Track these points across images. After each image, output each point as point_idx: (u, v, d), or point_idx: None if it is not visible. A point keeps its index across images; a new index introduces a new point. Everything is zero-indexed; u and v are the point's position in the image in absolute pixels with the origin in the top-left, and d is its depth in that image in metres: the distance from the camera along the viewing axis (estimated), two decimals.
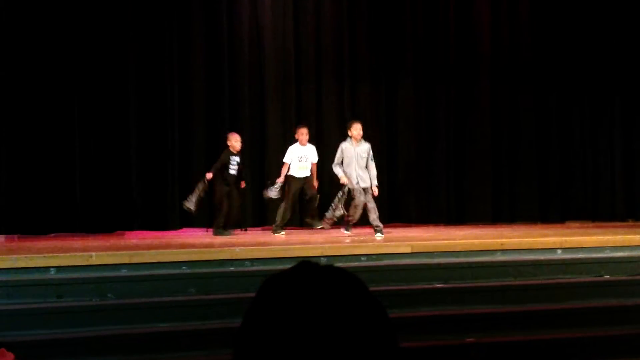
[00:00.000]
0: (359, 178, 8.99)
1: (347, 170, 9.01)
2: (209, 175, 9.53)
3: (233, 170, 9.65)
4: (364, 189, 9.01)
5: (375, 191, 9.07)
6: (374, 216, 8.91)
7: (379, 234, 8.78)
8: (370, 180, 9.05)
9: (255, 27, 11.01)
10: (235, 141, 9.71)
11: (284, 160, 9.83)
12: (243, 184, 9.86)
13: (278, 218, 9.73)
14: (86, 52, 10.05)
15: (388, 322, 0.97)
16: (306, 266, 0.99)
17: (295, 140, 9.88)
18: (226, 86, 10.77)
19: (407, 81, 11.52)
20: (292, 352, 0.91)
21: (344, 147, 9.12)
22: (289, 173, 9.75)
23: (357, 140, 9.10)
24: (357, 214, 9.13)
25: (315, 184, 9.88)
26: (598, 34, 11.86)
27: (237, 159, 9.69)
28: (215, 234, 9.56)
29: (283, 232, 9.69)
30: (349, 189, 9.10)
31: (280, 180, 9.65)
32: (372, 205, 8.98)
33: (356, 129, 9.11)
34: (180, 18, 10.59)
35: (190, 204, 9.52)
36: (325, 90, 11.30)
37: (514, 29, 11.90)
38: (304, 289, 0.95)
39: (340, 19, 11.34)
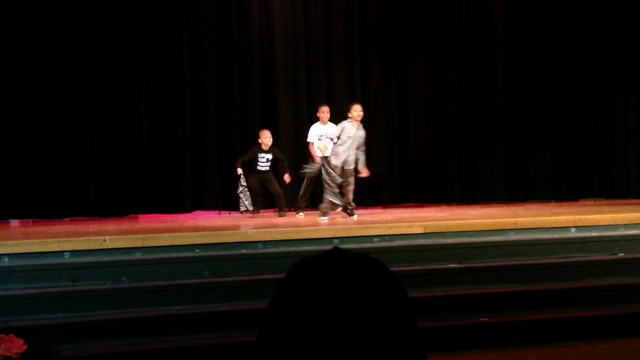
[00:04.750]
0: (349, 159, 8.76)
1: (341, 149, 8.73)
2: (240, 170, 9.46)
3: (262, 167, 9.61)
4: (347, 171, 8.81)
5: (365, 172, 8.92)
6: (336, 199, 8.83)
7: (323, 217, 8.62)
8: (359, 163, 8.85)
9: (264, 10, 10.96)
10: (264, 137, 9.69)
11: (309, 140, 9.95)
12: (287, 179, 9.75)
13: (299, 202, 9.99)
14: (97, 39, 10.05)
15: (415, 317, 0.97)
16: (337, 252, 0.99)
17: (317, 119, 10.00)
18: (236, 70, 10.73)
19: (418, 61, 11.45)
20: (318, 335, 0.91)
21: (345, 126, 8.78)
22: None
23: (358, 123, 8.82)
24: (350, 195, 8.96)
25: None
26: (611, 12, 11.73)
27: (268, 156, 9.63)
28: (280, 215, 9.66)
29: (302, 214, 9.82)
30: (322, 166, 9.01)
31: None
32: (352, 187, 8.93)
33: (356, 111, 8.77)
34: (191, 4, 10.55)
35: (244, 207, 9.46)
36: (336, 73, 11.25)
37: (526, 7, 11.79)
38: (333, 275, 0.95)
39: (349, 0, 11.27)
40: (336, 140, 8.83)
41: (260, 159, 9.61)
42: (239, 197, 9.49)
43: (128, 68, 10.22)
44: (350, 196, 8.94)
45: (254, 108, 10.71)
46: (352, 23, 11.27)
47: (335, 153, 8.80)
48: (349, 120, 8.86)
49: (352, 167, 8.86)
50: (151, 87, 10.34)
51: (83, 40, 10.01)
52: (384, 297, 0.95)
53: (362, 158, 8.93)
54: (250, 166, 9.65)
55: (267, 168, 9.66)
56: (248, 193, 9.49)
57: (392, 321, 0.94)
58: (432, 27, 11.50)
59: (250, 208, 9.51)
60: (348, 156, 8.78)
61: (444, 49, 11.49)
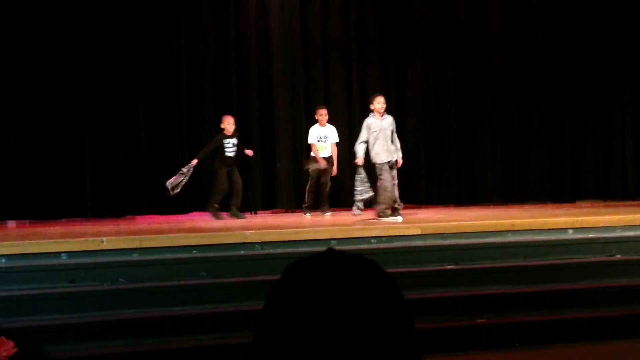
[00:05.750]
0: (387, 153, 8.67)
1: (377, 146, 8.64)
2: (194, 162, 9.47)
3: (229, 152, 9.60)
4: (391, 164, 8.70)
5: (400, 162, 8.82)
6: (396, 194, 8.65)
7: (398, 216, 8.51)
8: (396, 152, 8.78)
9: (262, 11, 10.96)
10: (227, 124, 9.67)
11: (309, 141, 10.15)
12: (250, 152, 9.80)
13: (306, 199, 10.06)
14: (95, 40, 10.05)
15: (411, 318, 0.97)
16: (332, 253, 0.99)
17: (316, 121, 10.10)
18: (234, 71, 10.73)
19: (416, 62, 11.46)
20: (313, 336, 0.92)
21: (370, 122, 8.74)
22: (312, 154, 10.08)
23: (381, 114, 8.77)
24: (395, 191, 8.71)
25: (334, 168, 10.01)
26: (608, 12, 11.75)
27: (233, 140, 9.63)
28: (214, 216, 9.54)
29: (309, 214, 9.92)
30: (363, 169, 8.97)
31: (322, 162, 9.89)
32: (396, 181, 8.74)
33: (379, 102, 8.74)
34: (188, 5, 10.55)
35: (170, 184, 9.36)
36: (334, 73, 11.25)
37: (525, 7, 11.80)
38: (328, 276, 0.95)
39: (347, 0, 11.28)
40: (367, 141, 8.72)
41: (226, 145, 9.58)
42: (179, 178, 9.34)
43: (125, 69, 10.21)
44: (395, 192, 8.70)
45: (251, 109, 10.70)
46: (349, 23, 11.27)
47: (376, 153, 8.66)
48: (370, 115, 8.82)
49: (394, 158, 8.73)
50: (149, 88, 10.33)
51: (80, 41, 10.01)
52: (378, 297, 0.95)
53: (398, 145, 8.80)
54: (218, 157, 9.57)
55: (234, 153, 9.62)
56: (181, 180, 9.34)
57: (386, 322, 0.94)
58: (430, 27, 11.51)
59: (170, 189, 9.29)
60: (388, 148, 8.67)
61: (442, 49, 11.50)
